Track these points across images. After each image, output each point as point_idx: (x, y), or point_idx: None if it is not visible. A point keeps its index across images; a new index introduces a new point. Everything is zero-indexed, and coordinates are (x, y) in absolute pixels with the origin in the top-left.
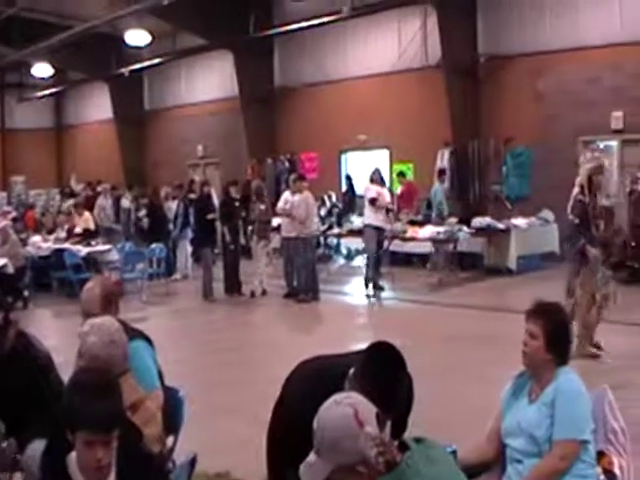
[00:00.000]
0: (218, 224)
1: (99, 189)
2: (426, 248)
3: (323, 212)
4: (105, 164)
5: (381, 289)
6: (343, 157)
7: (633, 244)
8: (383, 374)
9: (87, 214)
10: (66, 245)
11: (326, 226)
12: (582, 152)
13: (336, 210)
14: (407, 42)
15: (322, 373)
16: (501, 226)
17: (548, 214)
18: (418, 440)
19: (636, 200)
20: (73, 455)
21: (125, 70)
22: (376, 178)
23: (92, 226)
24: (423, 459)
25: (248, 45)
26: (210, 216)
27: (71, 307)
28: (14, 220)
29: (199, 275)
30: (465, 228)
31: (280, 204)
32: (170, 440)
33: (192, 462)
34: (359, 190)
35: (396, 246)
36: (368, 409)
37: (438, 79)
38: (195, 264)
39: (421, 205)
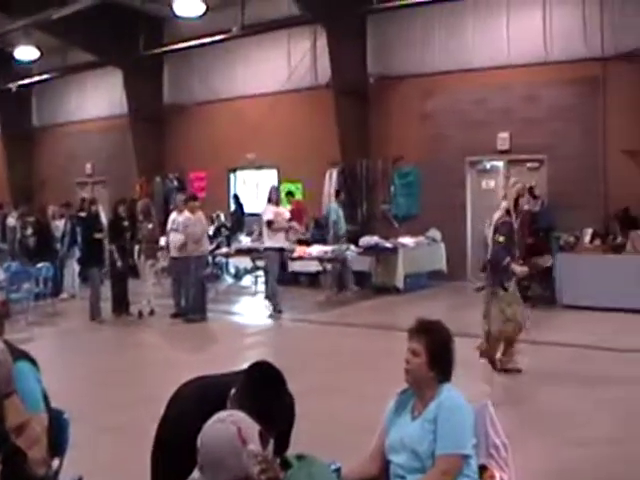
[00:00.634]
0: (106, 243)
1: None
2: (314, 267)
3: (211, 231)
4: None
5: (280, 311)
6: (232, 176)
7: (521, 262)
8: (263, 393)
9: None
10: None
11: (214, 245)
12: (469, 172)
13: (224, 229)
14: (297, 62)
15: (205, 392)
16: (389, 245)
17: (435, 233)
18: (300, 457)
19: (522, 220)
20: None
21: (13, 85)
22: (273, 197)
23: None
24: (304, 476)
25: (138, 63)
26: (98, 235)
27: None
28: None
29: (87, 295)
30: (353, 247)
31: (168, 225)
32: (55, 463)
33: None
34: (247, 209)
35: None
36: (251, 427)
37: (327, 99)
38: (82, 284)
39: (309, 224)
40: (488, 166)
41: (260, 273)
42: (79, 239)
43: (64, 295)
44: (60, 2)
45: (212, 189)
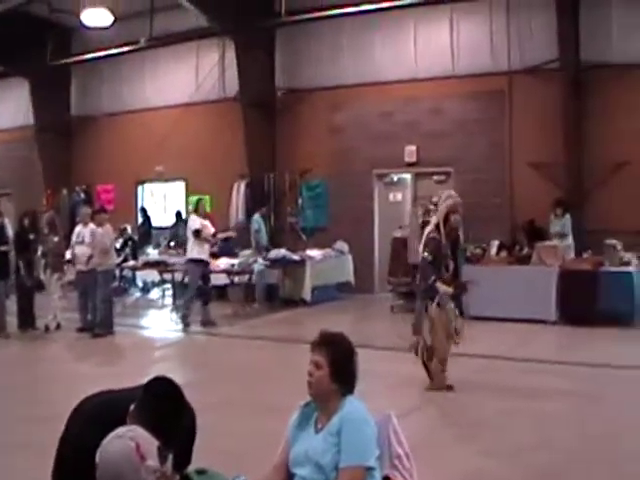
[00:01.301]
0: (12, 256)
1: None
2: (221, 280)
3: (119, 244)
4: None
5: (213, 324)
6: (140, 189)
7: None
8: (161, 408)
9: None
10: None
11: (121, 258)
12: (376, 184)
13: (131, 242)
14: (205, 74)
15: (104, 409)
16: (296, 257)
17: (343, 245)
18: (201, 472)
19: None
20: None
21: None
22: (201, 210)
23: None
24: None
25: (45, 73)
26: (3, 248)
27: None
28: None
29: None
30: (260, 259)
31: (73, 237)
32: None
33: None
34: (155, 222)
35: None
36: (150, 443)
37: (235, 112)
38: None
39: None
40: (395, 179)
41: (168, 286)
42: None
43: None
44: None
45: (120, 202)
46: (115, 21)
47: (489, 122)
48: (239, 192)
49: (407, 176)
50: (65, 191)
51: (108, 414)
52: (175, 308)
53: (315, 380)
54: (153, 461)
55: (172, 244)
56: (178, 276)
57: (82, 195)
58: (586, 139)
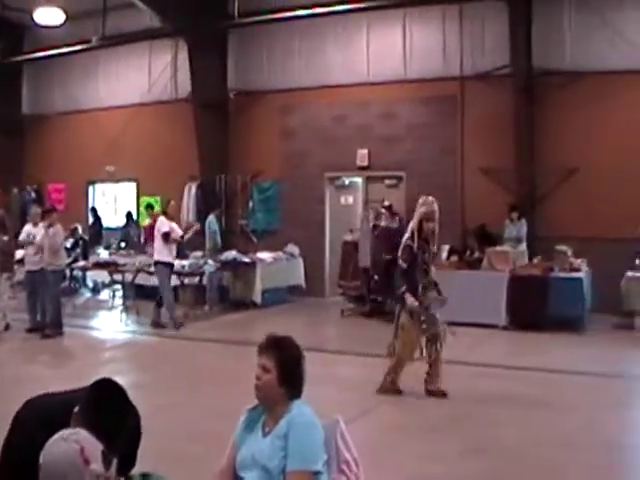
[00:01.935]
0: None
1: None
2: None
3: (69, 244)
4: None
5: (163, 327)
6: (91, 189)
7: (376, 278)
8: (105, 410)
9: None
10: None
11: (71, 259)
12: (328, 188)
13: (82, 243)
14: (158, 75)
15: (48, 411)
16: (247, 260)
17: (294, 248)
18: (145, 475)
19: (379, 235)
20: None
21: None
22: (170, 211)
23: None
24: None
25: None
26: None
27: None
28: None
29: None
30: (211, 261)
31: (22, 236)
32: None
33: None
34: (106, 222)
35: (141, 279)
36: (94, 446)
37: (187, 113)
38: None
39: None
40: (347, 182)
41: (118, 287)
42: None
43: None
44: None
45: (71, 202)
46: (67, 20)
47: (441, 127)
48: (190, 194)
49: (358, 180)
50: (16, 190)
51: (52, 416)
52: (125, 309)
53: (262, 384)
54: (97, 465)
55: (123, 245)
56: (128, 277)
57: (33, 194)
58: (537, 145)
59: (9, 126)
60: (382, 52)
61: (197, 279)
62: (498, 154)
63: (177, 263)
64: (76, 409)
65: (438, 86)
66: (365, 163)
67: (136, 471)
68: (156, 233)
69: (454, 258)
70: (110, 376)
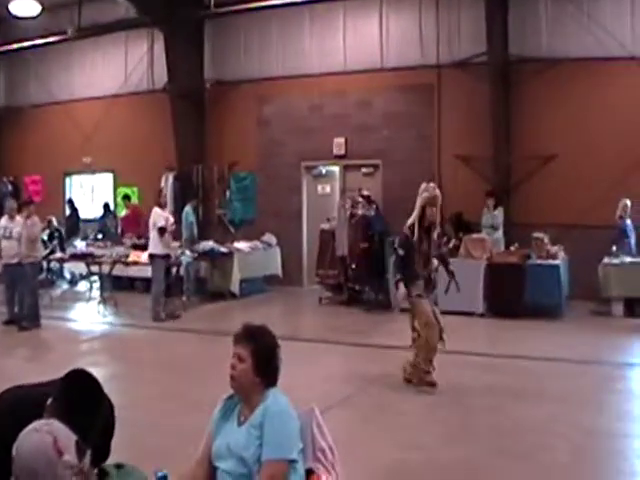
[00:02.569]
0: None
1: None
2: (149, 272)
3: (45, 236)
4: None
5: (177, 317)
6: (68, 180)
7: (353, 266)
8: (79, 402)
9: None
10: None
11: (48, 250)
12: (305, 177)
13: (58, 234)
14: (134, 65)
15: (21, 403)
16: (224, 250)
17: (271, 238)
18: (119, 466)
19: (356, 223)
20: None
21: None
22: (163, 202)
23: None
24: None
25: None
26: None
27: None
28: None
29: None
30: (188, 252)
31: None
32: None
33: None
34: (83, 214)
35: (119, 271)
36: (67, 437)
37: (164, 103)
38: None
39: (145, 229)
40: (324, 171)
41: (96, 278)
42: None
43: None
44: None
45: (48, 193)
46: (43, 11)
47: (418, 115)
48: (167, 184)
49: (335, 169)
50: None
51: (25, 408)
52: (103, 300)
53: (238, 373)
54: (70, 456)
55: (100, 236)
56: (106, 268)
57: (9, 186)
58: (514, 132)
59: None
60: (359, 41)
61: (175, 270)
62: (475, 142)
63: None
64: (49, 400)
65: (415, 74)
66: (342, 152)
67: (110, 462)
68: (151, 226)
69: None
70: (87, 368)
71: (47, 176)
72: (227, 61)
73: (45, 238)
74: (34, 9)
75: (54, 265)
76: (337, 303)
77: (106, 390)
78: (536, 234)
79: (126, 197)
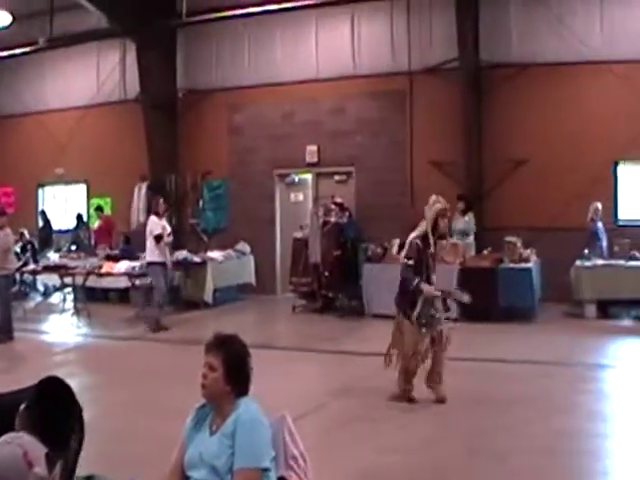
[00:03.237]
0: None
1: None
2: (123, 283)
3: (18, 249)
4: None
5: (165, 329)
6: (40, 191)
7: (327, 274)
8: (52, 409)
9: None
10: None
11: (21, 263)
12: (278, 185)
13: (30, 246)
14: (106, 75)
15: None
16: (197, 259)
17: (244, 246)
18: (89, 477)
19: (329, 231)
20: None
21: None
22: (160, 210)
23: None
24: None
25: None
26: None
27: None
28: None
29: None
30: None
31: None
32: None
33: None
34: (56, 225)
35: (92, 282)
36: (38, 449)
37: (137, 113)
38: None
39: (119, 240)
40: (297, 179)
41: (69, 290)
42: None
43: None
44: None
45: (20, 205)
46: (14, 21)
47: (390, 122)
48: (140, 194)
49: (308, 176)
50: None
51: None
52: (76, 312)
53: (209, 382)
54: (41, 468)
55: (73, 247)
56: (79, 280)
57: None
58: (486, 138)
59: None
60: (331, 48)
61: (148, 280)
62: (447, 147)
63: (128, 265)
64: (22, 407)
65: (387, 81)
66: (314, 159)
67: (86, 472)
68: (148, 234)
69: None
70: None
71: (20, 187)
72: (199, 70)
73: (18, 250)
74: (5, 19)
75: (27, 277)
76: (311, 311)
77: (81, 400)
78: (508, 238)
79: (99, 208)
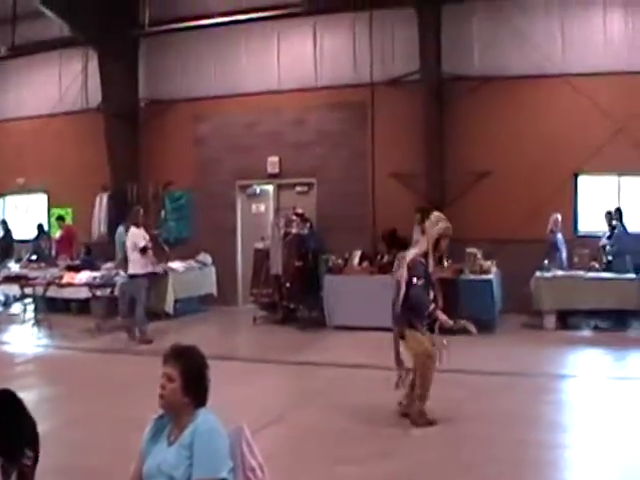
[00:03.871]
0: None
1: None
2: (83, 294)
3: None
4: None
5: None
6: (1, 201)
7: (288, 285)
8: (3, 423)
9: None
10: None
11: None
12: (239, 196)
13: None
14: (68, 84)
15: None
16: (159, 270)
17: (206, 257)
18: None
19: (290, 242)
20: None
21: None
22: (140, 221)
23: None
24: None
25: None
26: None
27: None
28: None
29: None
30: (122, 272)
31: None
32: None
33: None
34: (16, 235)
35: (53, 292)
36: None
37: (98, 122)
38: None
39: (80, 250)
40: (258, 190)
41: (30, 300)
42: None
43: None
44: None
45: None
46: None
47: (352, 133)
48: (101, 204)
49: (269, 187)
50: None
51: None
52: (37, 322)
53: (167, 393)
54: None
55: (34, 258)
56: (40, 290)
57: None
58: (448, 149)
59: None
60: (293, 60)
61: (109, 290)
62: (409, 159)
63: (88, 275)
64: None
65: (348, 92)
66: (276, 170)
67: None
68: (131, 247)
69: (365, 264)
70: (21, 390)
71: None
72: (162, 80)
73: None
74: None
75: None
76: (272, 322)
77: (40, 412)
78: (469, 249)
79: (60, 218)
